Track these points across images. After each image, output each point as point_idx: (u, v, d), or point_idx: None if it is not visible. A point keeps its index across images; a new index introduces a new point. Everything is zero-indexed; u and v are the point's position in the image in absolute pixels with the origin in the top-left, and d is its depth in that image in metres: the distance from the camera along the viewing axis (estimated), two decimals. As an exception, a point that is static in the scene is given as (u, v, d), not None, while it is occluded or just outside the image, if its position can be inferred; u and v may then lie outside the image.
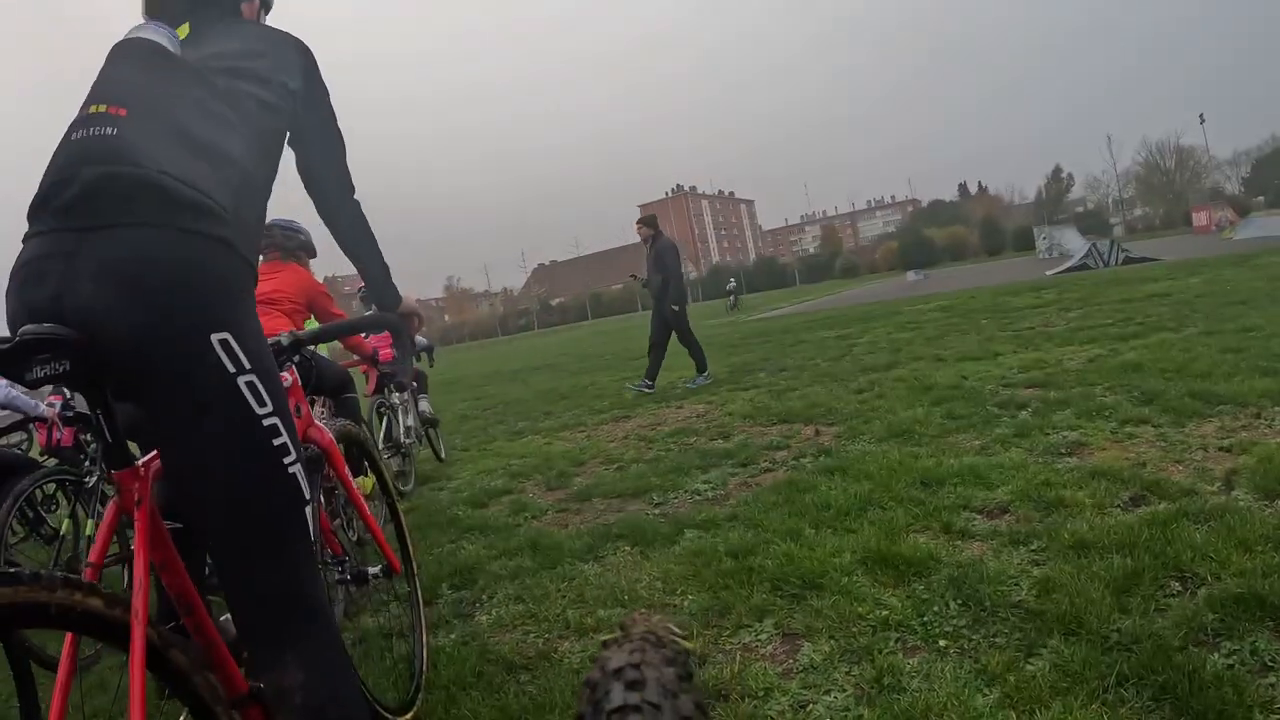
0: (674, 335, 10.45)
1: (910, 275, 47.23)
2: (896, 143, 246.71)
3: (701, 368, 10.38)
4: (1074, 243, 35.60)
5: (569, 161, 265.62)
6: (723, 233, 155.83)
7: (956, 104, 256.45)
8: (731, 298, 39.89)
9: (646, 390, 10.17)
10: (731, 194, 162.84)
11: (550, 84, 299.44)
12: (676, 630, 0.94)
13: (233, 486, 1.51)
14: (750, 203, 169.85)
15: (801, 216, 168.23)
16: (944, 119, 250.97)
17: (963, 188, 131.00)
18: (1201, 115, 79.14)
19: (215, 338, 1.45)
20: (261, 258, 4.73)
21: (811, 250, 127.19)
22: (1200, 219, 51.29)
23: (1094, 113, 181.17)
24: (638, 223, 10.80)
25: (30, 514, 4.70)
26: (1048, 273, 24.67)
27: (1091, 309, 11.26)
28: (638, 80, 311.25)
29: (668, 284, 10.31)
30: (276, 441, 1.54)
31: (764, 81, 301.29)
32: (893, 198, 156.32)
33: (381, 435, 6.64)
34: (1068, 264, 25.86)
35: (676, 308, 10.28)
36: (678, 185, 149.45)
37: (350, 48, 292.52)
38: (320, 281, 4.92)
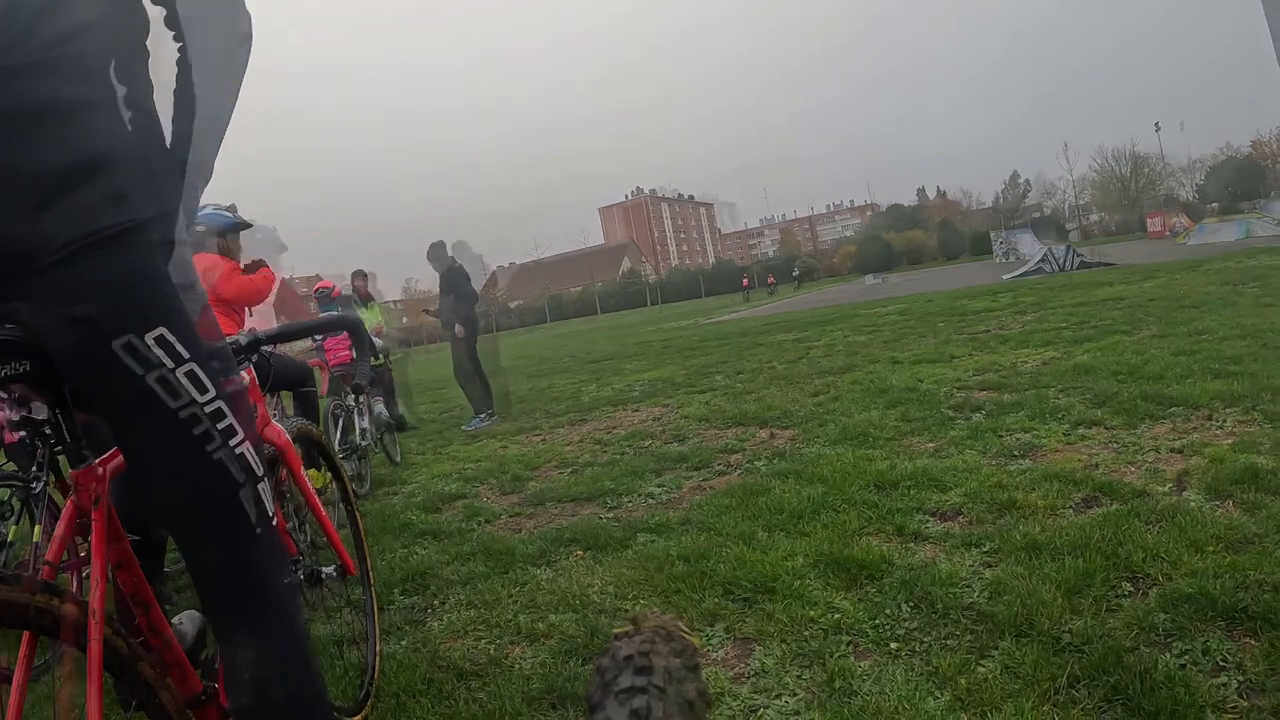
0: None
1: (868, 279, 47.62)
2: (855, 147, 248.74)
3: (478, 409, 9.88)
4: (1030, 247, 36.18)
5: (528, 165, 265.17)
6: (682, 235, 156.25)
7: (916, 108, 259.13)
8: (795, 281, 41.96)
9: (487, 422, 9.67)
10: (691, 198, 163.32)
11: (508, 86, 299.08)
12: (684, 627, 1.00)
13: (164, 477, 1.50)
14: (709, 206, 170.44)
15: (760, 220, 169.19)
16: (903, 123, 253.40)
17: (921, 192, 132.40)
18: (1157, 123, 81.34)
19: (116, 344, 1.40)
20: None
21: (770, 254, 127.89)
22: (1155, 225, 52.24)
23: (1050, 119, 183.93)
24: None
25: None
26: (1004, 276, 25.01)
27: (1046, 312, 11.39)
28: (598, 82, 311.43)
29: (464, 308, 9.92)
30: (197, 430, 1.50)
31: (720, 83, 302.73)
32: (852, 202, 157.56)
33: (337, 438, 6.56)
34: (1024, 268, 26.23)
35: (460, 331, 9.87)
36: (637, 188, 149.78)
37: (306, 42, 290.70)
38: (220, 259, 4.75)
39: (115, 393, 1.42)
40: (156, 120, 1.53)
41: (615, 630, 0.86)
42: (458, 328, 9.83)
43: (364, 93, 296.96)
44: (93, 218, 1.35)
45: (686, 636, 0.95)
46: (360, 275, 10.74)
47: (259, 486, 1.62)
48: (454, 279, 10.02)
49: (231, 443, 1.56)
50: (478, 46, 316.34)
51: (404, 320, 66.29)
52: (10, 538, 4.28)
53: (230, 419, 1.58)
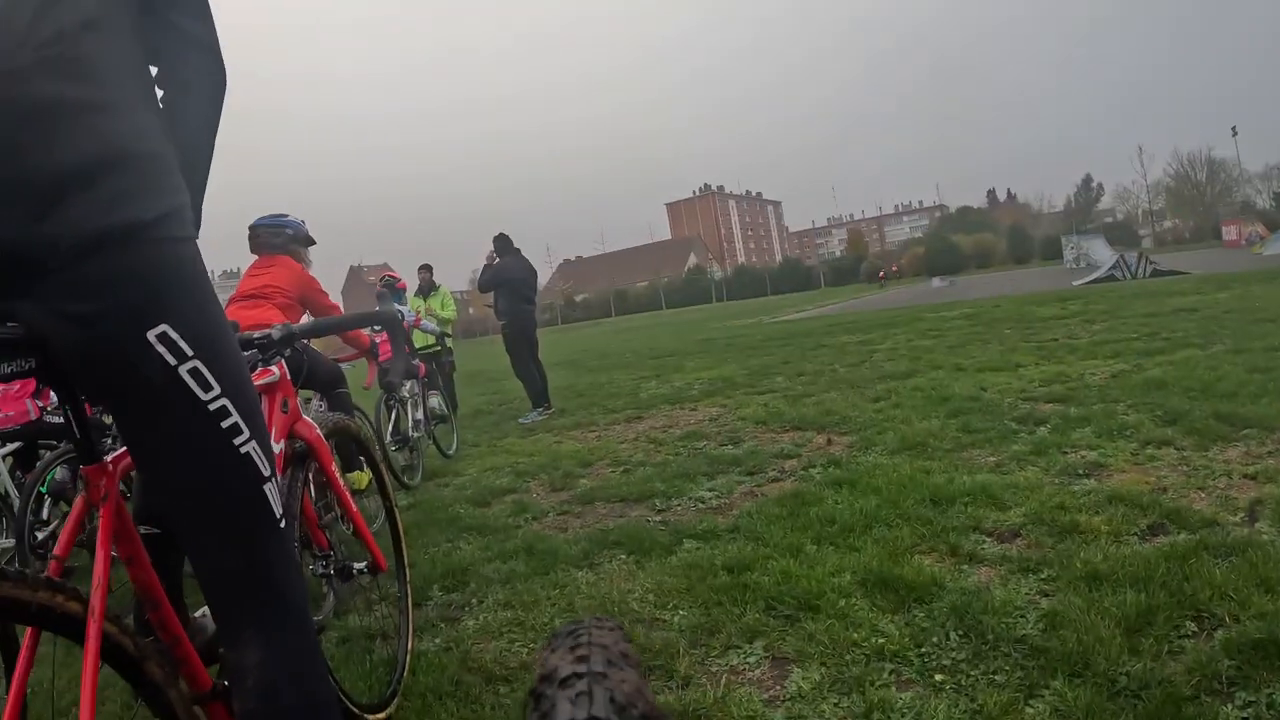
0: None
1: (935, 281, 46.97)
2: (926, 148, 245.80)
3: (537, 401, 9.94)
4: (1102, 253, 35.28)
5: (596, 160, 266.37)
6: (749, 233, 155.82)
7: (988, 110, 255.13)
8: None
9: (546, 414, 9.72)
10: (759, 195, 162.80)
11: (576, 85, 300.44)
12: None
13: (186, 471, 1.49)
14: (777, 204, 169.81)
15: (828, 219, 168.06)
16: (975, 125, 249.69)
17: (991, 195, 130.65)
18: (1234, 128, 78.00)
19: (151, 334, 1.40)
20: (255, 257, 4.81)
21: (837, 254, 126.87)
22: (1230, 233, 50.75)
23: (1126, 123, 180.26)
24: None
25: None
26: (1074, 283, 24.41)
27: (1117, 322, 11.06)
28: (665, 81, 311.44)
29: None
30: (225, 423, 1.51)
31: (794, 82, 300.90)
32: (920, 203, 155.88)
33: (389, 429, 6.58)
34: (1095, 275, 25.61)
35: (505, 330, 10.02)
36: (705, 185, 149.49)
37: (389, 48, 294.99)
38: (314, 276, 4.87)
39: (142, 385, 1.42)
40: (161, 116, 1.55)
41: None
42: (514, 322, 9.93)
43: (419, 85, 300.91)
44: (117, 211, 1.36)
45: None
46: (425, 268, 10.99)
47: (276, 483, 1.63)
48: (516, 271, 10.05)
49: (258, 437, 1.57)
50: (535, 31, 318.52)
51: (470, 311, 67.13)
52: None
53: (259, 415, 1.60)
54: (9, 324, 1.34)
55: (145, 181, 1.41)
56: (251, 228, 4.76)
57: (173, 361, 1.42)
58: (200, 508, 1.51)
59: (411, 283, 10.47)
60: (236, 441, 1.52)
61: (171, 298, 1.45)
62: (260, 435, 1.58)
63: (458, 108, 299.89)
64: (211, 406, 1.48)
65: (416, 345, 9.61)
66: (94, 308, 1.35)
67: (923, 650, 2.54)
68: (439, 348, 9.63)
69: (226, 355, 1.53)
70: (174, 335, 1.42)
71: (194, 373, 1.45)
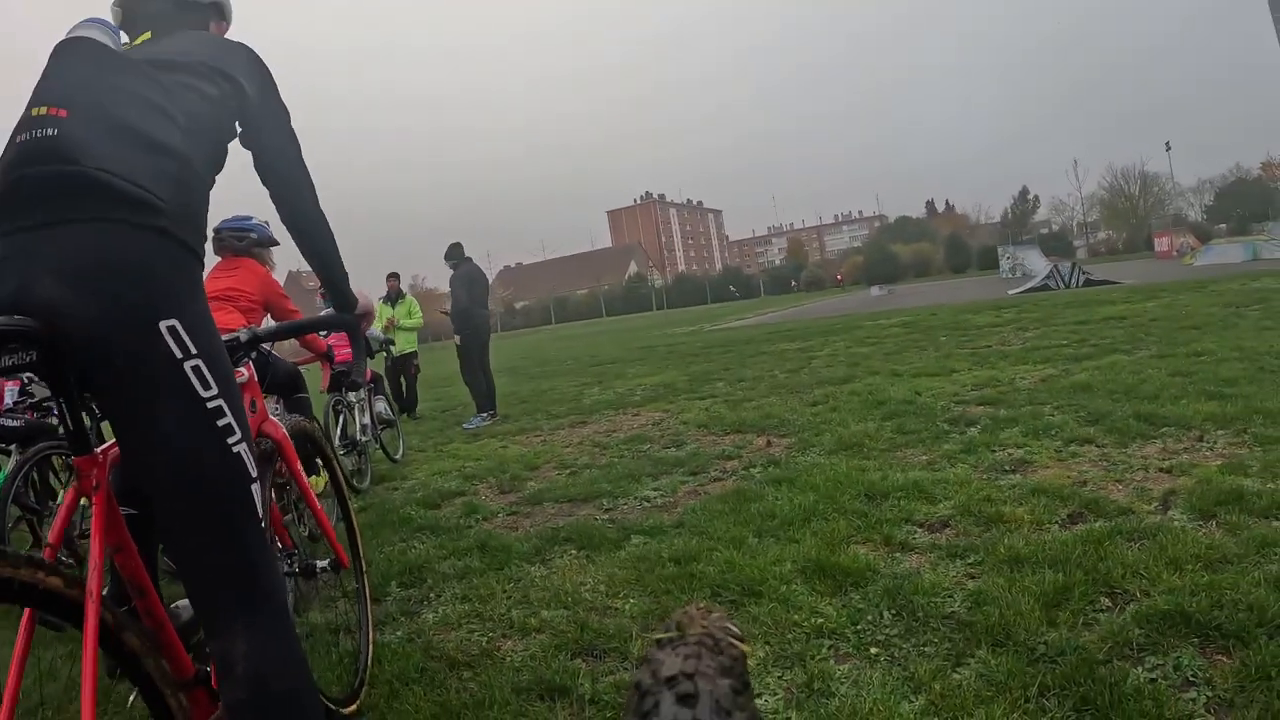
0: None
1: (874, 290, 47.58)
2: (865, 158, 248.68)
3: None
4: (1037, 263, 36.05)
5: (536, 166, 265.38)
6: (690, 241, 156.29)
7: (926, 121, 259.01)
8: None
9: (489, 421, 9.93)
10: (700, 203, 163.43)
11: (520, 91, 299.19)
12: (734, 630, 0.85)
13: (180, 465, 1.56)
14: (718, 213, 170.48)
15: (769, 228, 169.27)
16: (913, 136, 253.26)
17: (930, 205, 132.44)
18: (1168, 143, 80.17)
19: (163, 325, 1.50)
20: (218, 259, 4.81)
21: (777, 262, 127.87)
22: (1162, 244, 51.90)
23: (1062, 136, 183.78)
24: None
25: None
26: (1010, 292, 25.00)
27: (1049, 329, 11.44)
28: (610, 85, 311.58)
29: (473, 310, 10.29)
30: (221, 422, 1.59)
31: (733, 90, 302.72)
32: (860, 213, 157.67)
33: (337, 433, 6.63)
34: (1029, 284, 26.22)
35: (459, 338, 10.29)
36: (646, 193, 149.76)
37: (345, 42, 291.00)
38: (276, 279, 4.91)
39: (147, 373, 1.51)
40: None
41: (657, 636, 0.77)
42: (466, 327, 10.13)
43: (358, 81, 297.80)
44: (161, 190, 1.54)
45: (736, 645, 0.82)
46: (393, 276, 11.79)
47: (260, 483, 1.71)
48: (477, 277, 10.38)
49: (248, 440, 1.66)
50: (472, 36, 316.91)
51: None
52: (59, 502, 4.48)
53: (246, 418, 1.69)
54: (17, 317, 1.40)
55: (191, 181, 1.60)
56: (215, 230, 4.76)
57: (179, 355, 1.52)
58: (191, 504, 1.58)
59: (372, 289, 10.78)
60: (230, 441, 1.61)
61: (183, 297, 1.56)
62: (249, 438, 1.67)
63: (395, 102, 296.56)
64: (210, 405, 1.57)
65: (399, 349, 10.81)
66: (115, 289, 1.47)
67: (859, 628, 2.72)
68: (411, 350, 11.18)
69: (222, 360, 1.64)
70: (182, 331, 1.53)
71: (196, 370, 1.55)
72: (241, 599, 1.62)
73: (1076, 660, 2.29)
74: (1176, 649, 2.33)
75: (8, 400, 5.19)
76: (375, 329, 8.98)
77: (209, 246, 4.87)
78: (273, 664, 1.62)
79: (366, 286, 11.05)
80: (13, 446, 5.15)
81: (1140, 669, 2.25)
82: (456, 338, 10.21)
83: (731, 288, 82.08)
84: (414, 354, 11.84)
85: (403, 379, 11.60)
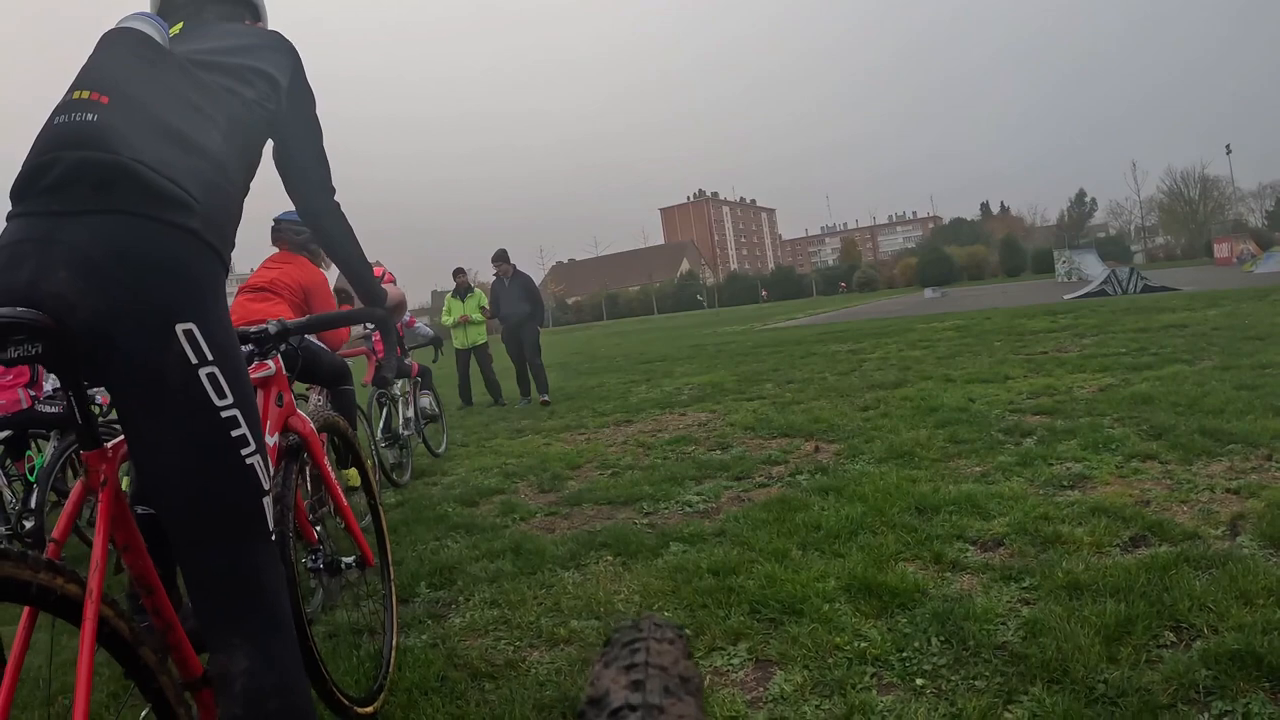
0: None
1: (927, 292, 47.00)
2: (920, 159, 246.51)
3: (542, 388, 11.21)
4: (1094, 268, 35.33)
5: (590, 161, 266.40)
6: (743, 240, 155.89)
7: (983, 122, 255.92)
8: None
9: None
10: (753, 202, 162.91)
11: (569, 84, 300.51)
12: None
13: (188, 473, 1.53)
14: (771, 211, 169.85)
15: (822, 228, 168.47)
16: (969, 137, 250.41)
17: (985, 207, 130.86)
18: (1228, 146, 78.49)
19: (180, 328, 1.48)
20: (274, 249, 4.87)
21: (830, 262, 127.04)
22: (1222, 250, 50.74)
23: (1120, 138, 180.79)
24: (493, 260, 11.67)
25: None
26: (1065, 297, 24.46)
27: (1106, 336, 11.10)
28: (661, 84, 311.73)
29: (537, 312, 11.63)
30: (235, 433, 1.56)
31: (788, 89, 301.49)
32: (914, 213, 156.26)
33: (380, 426, 6.60)
34: (1086, 289, 25.65)
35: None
36: (699, 190, 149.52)
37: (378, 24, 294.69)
38: (327, 281, 4.88)
39: (159, 376, 1.48)
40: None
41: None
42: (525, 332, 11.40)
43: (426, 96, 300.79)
44: (195, 190, 1.52)
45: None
46: (460, 271, 12.17)
47: (273, 497, 1.69)
48: (526, 291, 11.57)
49: (262, 452, 1.63)
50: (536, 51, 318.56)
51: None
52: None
53: (261, 430, 1.67)
54: (21, 309, 1.37)
55: (193, 192, 1.53)
56: (276, 220, 4.79)
57: (194, 360, 1.48)
58: (199, 513, 1.55)
59: (408, 281, 11.03)
60: (244, 453, 1.57)
61: (206, 302, 1.52)
62: (263, 450, 1.63)
63: (453, 122, 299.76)
64: (224, 414, 1.53)
65: (470, 341, 11.70)
66: (132, 284, 1.43)
67: (904, 655, 2.56)
68: (483, 341, 11.95)
69: (240, 370, 1.60)
70: (199, 336, 1.49)
71: (211, 378, 1.51)
72: (243, 615, 1.59)
73: (1139, 704, 2.11)
74: (1246, 694, 2.14)
75: (47, 388, 5.21)
76: (422, 324, 8.95)
77: (265, 235, 4.87)
78: (271, 683, 1.58)
79: (430, 280, 11.40)
80: (52, 433, 5.17)
81: (1206, 715, 2.08)
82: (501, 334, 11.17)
83: (763, 291, 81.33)
84: (485, 344, 12.16)
85: (480, 370, 12.17)
